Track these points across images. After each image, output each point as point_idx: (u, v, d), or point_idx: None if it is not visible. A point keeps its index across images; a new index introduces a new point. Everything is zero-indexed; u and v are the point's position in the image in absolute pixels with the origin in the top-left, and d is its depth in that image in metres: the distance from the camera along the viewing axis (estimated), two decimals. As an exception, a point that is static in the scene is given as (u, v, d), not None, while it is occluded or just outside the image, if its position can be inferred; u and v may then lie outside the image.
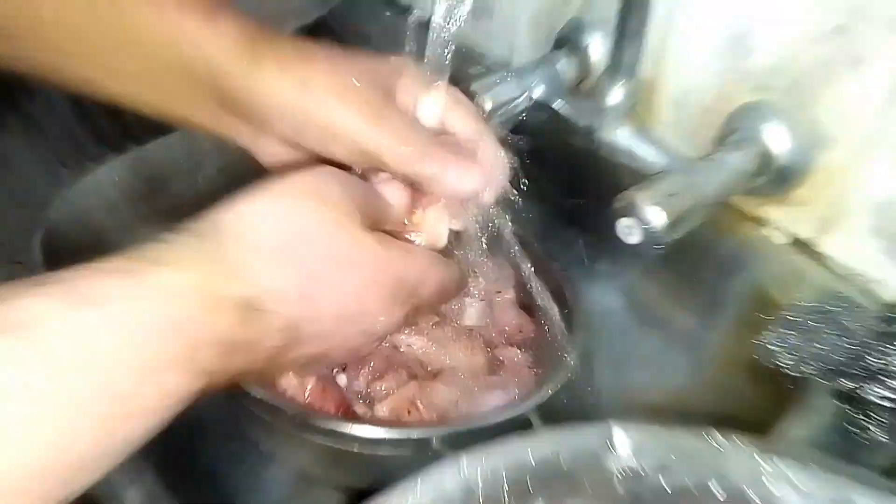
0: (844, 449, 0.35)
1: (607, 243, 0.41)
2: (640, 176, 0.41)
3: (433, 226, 0.37)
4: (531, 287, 0.48)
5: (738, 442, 0.27)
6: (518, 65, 0.59)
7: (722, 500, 0.26)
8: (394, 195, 0.35)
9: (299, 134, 0.34)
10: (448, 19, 0.37)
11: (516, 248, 0.45)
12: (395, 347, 0.45)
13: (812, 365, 0.39)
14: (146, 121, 0.39)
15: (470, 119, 0.38)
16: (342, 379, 0.43)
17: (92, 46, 0.35)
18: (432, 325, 0.47)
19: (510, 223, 0.42)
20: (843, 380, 0.37)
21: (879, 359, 0.37)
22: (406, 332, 0.45)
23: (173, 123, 0.38)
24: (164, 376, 0.24)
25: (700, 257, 0.48)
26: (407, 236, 0.37)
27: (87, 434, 0.23)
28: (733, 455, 0.27)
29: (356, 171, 0.36)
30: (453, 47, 0.37)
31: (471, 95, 0.47)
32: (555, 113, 0.52)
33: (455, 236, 0.40)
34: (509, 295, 0.50)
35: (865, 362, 0.37)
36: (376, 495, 0.26)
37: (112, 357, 0.23)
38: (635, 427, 0.28)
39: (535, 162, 0.41)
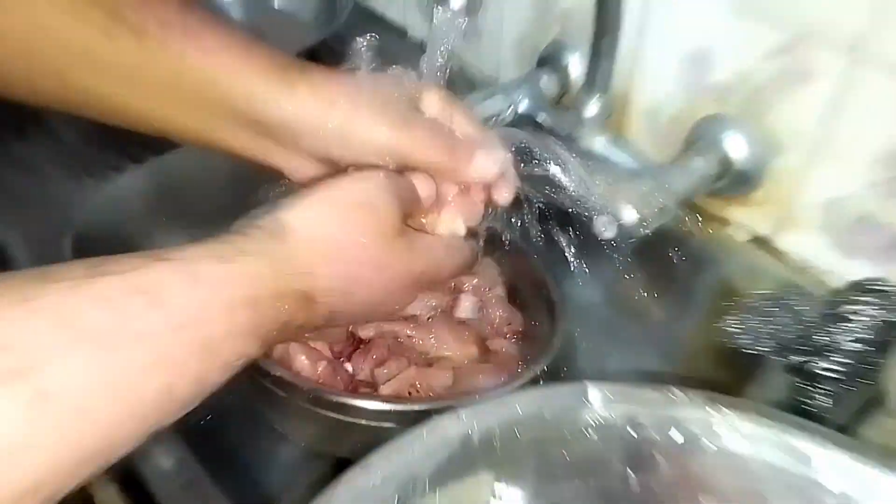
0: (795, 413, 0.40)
1: (587, 240, 0.45)
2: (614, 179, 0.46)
3: (447, 226, 0.42)
4: (519, 284, 0.53)
5: (692, 395, 0.32)
6: (504, 81, 0.62)
7: (679, 444, 0.31)
8: (422, 186, 0.40)
9: (331, 148, 0.38)
10: (441, 41, 0.42)
11: (506, 247, 0.50)
12: (396, 338, 0.48)
13: (766, 343, 0.43)
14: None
15: (474, 124, 0.42)
16: (348, 367, 0.47)
17: (142, 86, 0.37)
18: (429, 319, 0.51)
19: (500, 224, 0.45)
20: (793, 356, 0.42)
21: (824, 337, 0.41)
22: (409, 328, 0.49)
23: (207, 148, 0.40)
24: (239, 340, 0.30)
25: (672, 255, 0.52)
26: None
27: (192, 378, 0.28)
28: (689, 406, 0.31)
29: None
30: (448, 67, 0.41)
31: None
32: (538, 125, 0.56)
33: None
34: (500, 291, 0.54)
35: (812, 340, 0.42)
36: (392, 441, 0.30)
37: (214, 322, 0.29)
38: (607, 385, 0.32)
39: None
